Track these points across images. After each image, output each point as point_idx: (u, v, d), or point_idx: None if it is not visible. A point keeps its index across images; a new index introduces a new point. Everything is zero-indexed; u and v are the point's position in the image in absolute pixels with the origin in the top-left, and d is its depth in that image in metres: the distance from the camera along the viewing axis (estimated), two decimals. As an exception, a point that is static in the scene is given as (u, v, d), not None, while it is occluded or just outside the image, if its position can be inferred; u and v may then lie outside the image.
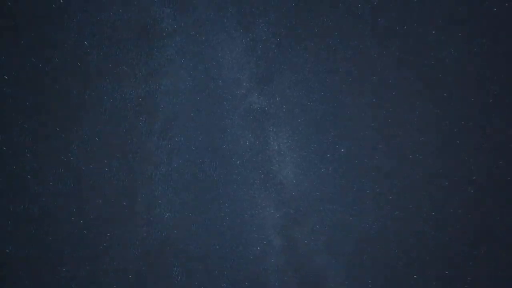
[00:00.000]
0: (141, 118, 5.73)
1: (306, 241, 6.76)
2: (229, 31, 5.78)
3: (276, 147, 6.35)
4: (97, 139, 5.45)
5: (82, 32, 5.02)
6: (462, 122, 6.18)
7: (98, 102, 5.39)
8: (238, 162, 6.20)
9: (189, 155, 5.95)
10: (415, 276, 6.53)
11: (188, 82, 5.79)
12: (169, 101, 5.83)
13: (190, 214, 6.13)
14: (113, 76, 5.37)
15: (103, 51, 5.27)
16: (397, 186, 6.69)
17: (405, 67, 6.19)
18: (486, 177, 6.22)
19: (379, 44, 6.29)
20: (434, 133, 6.55)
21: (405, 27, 6.16)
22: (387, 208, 6.82)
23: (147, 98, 5.70)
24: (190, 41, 5.66)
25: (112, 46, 5.26)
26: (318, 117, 6.44)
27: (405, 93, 6.50)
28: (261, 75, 6.05)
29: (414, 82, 6.35)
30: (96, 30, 5.07)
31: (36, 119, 5.10)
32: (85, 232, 5.51)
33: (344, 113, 6.52)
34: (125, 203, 5.66)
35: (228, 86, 6.01)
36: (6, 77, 4.29)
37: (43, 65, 4.83)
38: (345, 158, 6.63)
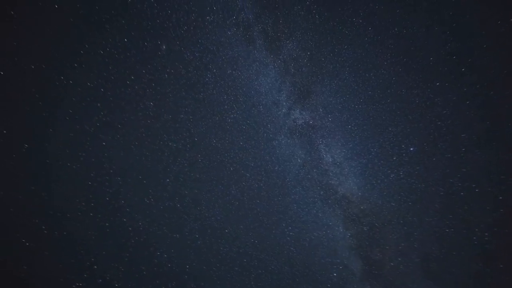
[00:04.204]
0: (199, 155, 5.91)
1: (392, 264, 5.21)
2: (260, 60, 5.68)
3: (330, 159, 5.46)
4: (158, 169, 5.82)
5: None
6: None
7: (156, 139, 5.88)
8: (293, 181, 5.55)
9: (245, 182, 5.67)
10: None
11: (232, 114, 5.80)
12: (220, 135, 5.89)
13: (256, 241, 5.62)
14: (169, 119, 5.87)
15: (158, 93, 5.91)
16: (506, 182, 4.70)
17: (456, 46, 4.72)
18: None
19: (424, 27, 5.08)
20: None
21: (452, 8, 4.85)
22: (500, 213, 4.79)
23: (203, 137, 5.91)
24: (228, 79, 5.79)
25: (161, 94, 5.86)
26: (371, 118, 5.34)
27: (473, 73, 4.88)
28: (298, 91, 5.56)
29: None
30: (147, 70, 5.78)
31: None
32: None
33: (403, 107, 5.25)
34: (186, 233, 5.66)
35: (269, 109, 5.71)
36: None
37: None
38: (418, 158, 5.15)
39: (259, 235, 5.39)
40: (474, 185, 4.63)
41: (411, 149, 4.81)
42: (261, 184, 5.46)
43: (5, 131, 4.77)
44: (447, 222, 4.74)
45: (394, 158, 4.82)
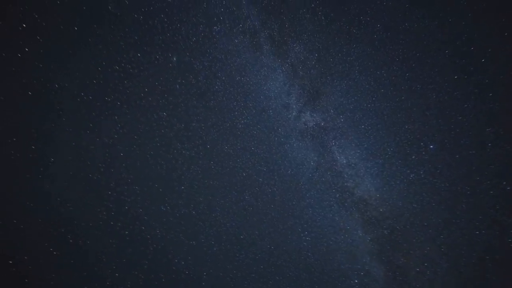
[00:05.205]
0: (212, 162, 5.90)
1: (418, 269, 4.83)
2: (268, 65, 5.63)
3: (344, 161, 5.22)
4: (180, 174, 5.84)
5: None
6: None
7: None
8: (307, 185, 5.36)
9: (258, 187, 5.56)
10: None
11: (243, 120, 5.75)
12: (232, 141, 5.86)
13: (272, 247, 5.45)
14: (181, 130, 5.92)
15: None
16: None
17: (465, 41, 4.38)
18: None
19: (437, 19, 4.80)
20: None
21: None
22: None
23: (215, 144, 5.91)
24: (237, 86, 5.78)
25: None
26: (385, 117, 5.07)
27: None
28: (308, 93, 5.42)
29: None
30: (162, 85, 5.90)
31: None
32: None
33: (419, 103, 4.94)
34: (202, 240, 5.59)
35: (279, 113, 5.60)
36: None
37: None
38: (439, 155, 4.80)
39: (275, 240, 5.22)
40: (504, 183, 4.21)
41: (431, 146, 4.48)
42: (275, 189, 5.32)
43: (33, 147, 5.01)
44: (476, 223, 4.33)
45: (413, 157, 4.51)
